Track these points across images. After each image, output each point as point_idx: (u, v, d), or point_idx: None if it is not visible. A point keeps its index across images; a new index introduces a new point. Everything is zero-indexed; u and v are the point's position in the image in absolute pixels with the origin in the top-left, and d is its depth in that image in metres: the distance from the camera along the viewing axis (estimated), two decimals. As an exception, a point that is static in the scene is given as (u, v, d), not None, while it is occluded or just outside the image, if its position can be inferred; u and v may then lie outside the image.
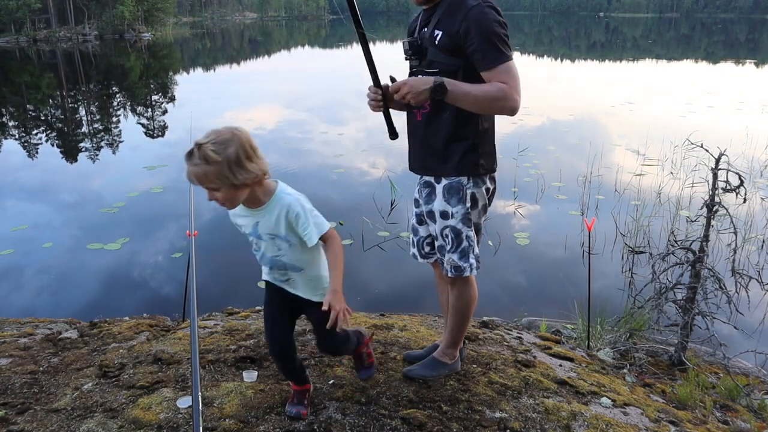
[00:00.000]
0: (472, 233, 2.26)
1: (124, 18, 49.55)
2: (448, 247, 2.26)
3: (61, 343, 3.01)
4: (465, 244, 2.25)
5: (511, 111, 2.04)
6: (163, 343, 2.89)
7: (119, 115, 14.86)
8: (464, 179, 2.18)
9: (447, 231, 2.24)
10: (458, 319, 2.41)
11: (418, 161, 2.29)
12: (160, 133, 12.24)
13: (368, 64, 2.17)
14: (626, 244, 5.69)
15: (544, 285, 5.18)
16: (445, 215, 2.22)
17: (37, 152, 10.60)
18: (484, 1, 2.02)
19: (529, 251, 5.83)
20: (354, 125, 12.04)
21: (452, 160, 2.17)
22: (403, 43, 2.18)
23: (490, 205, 2.34)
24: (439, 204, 2.22)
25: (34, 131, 12.58)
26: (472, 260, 2.27)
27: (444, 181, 2.21)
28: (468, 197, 2.20)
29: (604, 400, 2.49)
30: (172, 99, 17.60)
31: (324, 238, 1.91)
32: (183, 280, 3.86)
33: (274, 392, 2.32)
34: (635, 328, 3.67)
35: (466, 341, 3.01)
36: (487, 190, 2.27)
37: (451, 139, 2.16)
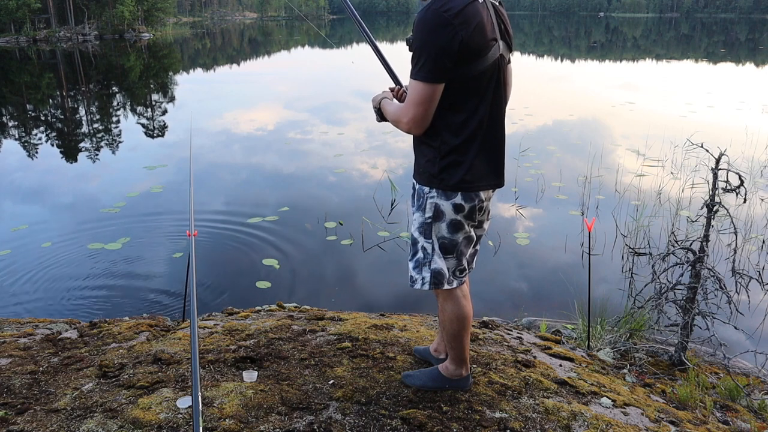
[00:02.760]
0: (430, 245, 2.10)
1: (124, 18, 49.53)
2: (408, 256, 2.20)
3: (61, 343, 3.01)
4: (420, 255, 2.13)
5: (407, 132, 2.02)
6: (163, 343, 2.89)
7: (119, 115, 14.86)
8: (426, 188, 2.05)
9: (410, 237, 2.18)
10: (446, 336, 2.26)
11: None
12: (159, 133, 12.25)
13: (385, 67, 2.20)
14: (626, 244, 5.69)
15: (544, 285, 5.18)
16: (413, 221, 2.17)
17: (36, 152, 10.60)
18: (435, 2, 1.85)
19: (529, 251, 5.83)
20: (354, 126, 12.04)
21: (419, 167, 2.09)
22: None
23: (475, 222, 2.13)
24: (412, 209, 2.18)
25: (34, 131, 12.59)
26: (426, 274, 2.11)
27: (416, 186, 2.13)
28: (428, 207, 2.05)
29: (604, 400, 2.49)
30: (172, 99, 17.60)
31: None
32: (183, 280, 3.87)
33: (274, 392, 2.32)
34: (635, 328, 3.67)
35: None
36: (459, 207, 2.04)
37: (418, 146, 2.10)
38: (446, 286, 2.14)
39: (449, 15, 1.81)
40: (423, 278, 2.13)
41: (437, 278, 2.12)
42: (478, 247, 2.32)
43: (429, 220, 2.07)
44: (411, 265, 2.18)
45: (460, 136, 1.96)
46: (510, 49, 2.09)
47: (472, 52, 1.86)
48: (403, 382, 2.43)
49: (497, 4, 2.04)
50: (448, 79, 1.88)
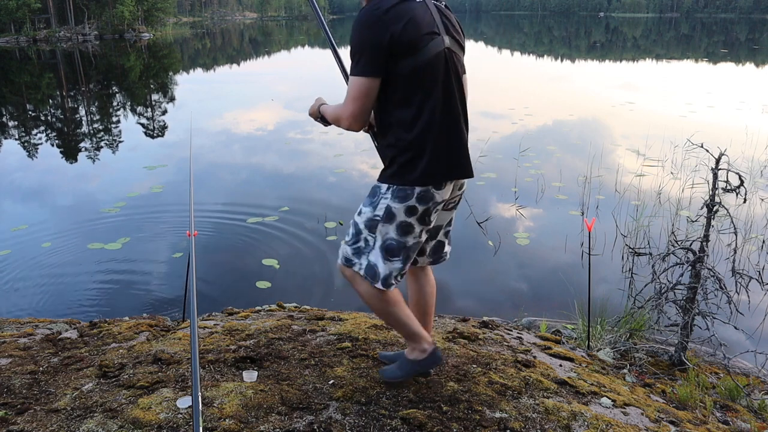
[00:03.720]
0: (372, 239, 2.09)
1: (124, 18, 49.54)
2: (347, 238, 2.18)
3: (61, 343, 3.01)
4: (360, 244, 2.12)
5: (347, 129, 2.03)
6: (163, 343, 2.89)
7: (119, 115, 14.86)
8: (384, 186, 2.05)
9: (351, 222, 2.17)
10: (381, 318, 2.27)
11: None
12: (159, 133, 12.25)
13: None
14: (626, 244, 5.69)
15: (544, 285, 5.18)
16: (358, 211, 2.15)
17: (36, 152, 10.61)
18: (370, 3, 1.95)
19: (529, 251, 5.83)
20: (354, 125, 12.02)
21: (383, 165, 2.11)
22: None
23: (428, 225, 2.10)
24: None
25: (34, 131, 12.59)
26: (364, 262, 2.11)
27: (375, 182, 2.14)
28: (380, 206, 2.04)
29: (604, 400, 2.49)
30: (172, 99, 17.60)
31: None
32: (183, 280, 3.87)
33: (274, 392, 2.32)
34: (635, 328, 3.67)
35: (466, 341, 3.01)
36: (412, 209, 2.02)
37: (379, 147, 2.13)
38: (378, 285, 2.11)
39: (379, 12, 1.89)
40: (361, 265, 2.13)
41: (369, 272, 2.12)
42: (441, 238, 2.32)
43: (377, 219, 2.06)
44: (349, 250, 2.16)
45: (412, 131, 1.98)
46: (462, 49, 2.12)
47: (405, 46, 1.90)
48: (380, 378, 2.41)
49: (442, 5, 2.10)
50: (385, 73, 1.93)
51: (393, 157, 2.02)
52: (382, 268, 2.10)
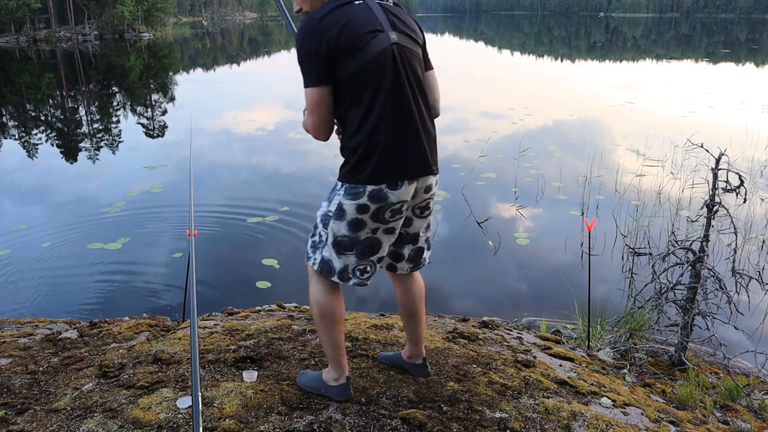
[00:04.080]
0: (325, 235, 2.09)
1: (124, 18, 49.54)
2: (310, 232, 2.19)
3: (61, 343, 3.01)
4: (316, 238, 2.14)
5: (317, 139, 2.04)
6: (163, 343, 2.89)
7: (119, 115, 14.86)
8: (339, 184, 2.05)
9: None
10: (317, 329, 2.26)
11: None
12: (159, 133, 12.25)
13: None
14: (626, 244, 5.69)
15: (544, 285, 5.18)
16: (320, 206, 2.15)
17: (36, 152, 10.60)
18: (307, 14, 1.97)
19: (529, 251, 5.83)
20: (354, 125, 12.02)
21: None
22: None
23: (385, 222, 2.05)
24: None
25: (34, 131, 12.59)
26: (318, 257, 2.12)
27: None
28: (333, 202, 2.05)
29: (604, 400, 2.49)
30: (172, 99, 17.60)
31: None
32: (183, 280, 3.86)
33: (274, 392, 2.32)
34: (635, 328, 3.67)
35: (466, 341, 3.01)
36: (364, 207, 1.99)
37: (341, 142, 2.11)
38: (335, 278, 2.11)
39: (314, 21, 1.91)
40: (316, 260, 2.14)
41: (325, 266, 2.12)
42: (421, 244, 2.27)
43: (330, 215, 2.06)
44: (309, 243, 2.18)
45: (361, 130, 1.95)
46: (417, 42, 2.08)
47: (344, 48, 1.89)
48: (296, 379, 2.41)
49: (388, 3, 2.06)
50: (331, 80, 1.94)
51: (347, 156, 2.02)
52: (337, 262, 2.10)
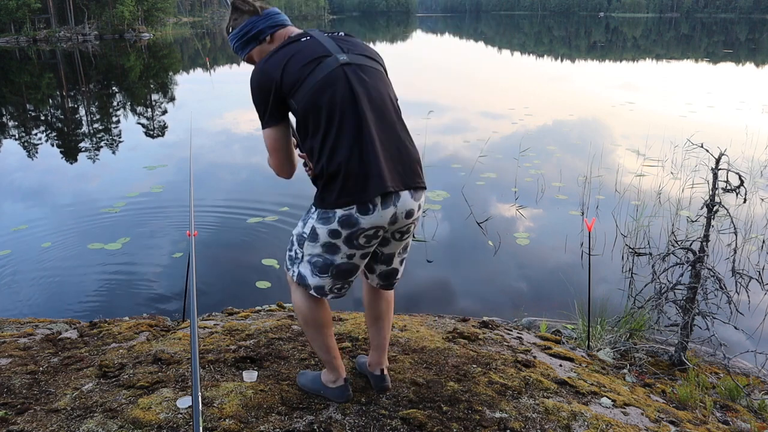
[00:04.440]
0: (300, 253, 2.07)
1: (124, 18, 49.53)
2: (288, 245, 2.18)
3: (61, 343, 3.01)
4: (292, 254, 2.11)
5: (283, 178, 2.09)
6: (163, 343, 2.89)
7: (119, 115, 14.86)
8: (312, 207, 2.02)
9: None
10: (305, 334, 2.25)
11: None
12: (159, 133, 12.25)
13: None
14: (626, 244, 5.69)
15: (544, 285, 5.18)
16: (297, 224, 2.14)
17: (36, 152, 10.61)
18: (261, 60, 1.98)
19: (529, 251, 5.83)
20: (354, 125, 12.02)
21: None
22: None
23: (360, 247, 1.99)
24: None
25: (34, 131, 12.59)
26: (296, 270, 2.09)
27: None
28: (308, 224, 2.02)
29: (604, 400, 2.49)
30: (172, 99, 17.61)
31: None
32: (183, 280, 3.87)
33: (274, 392, 2.32)
34: (635, 328, 3.67)
35: (466, 341, 3.01)
36: (335, 233, 1.94)
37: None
38: (312, 292, 2.09)
39: (261, 64, 1.94)
40: (294, 271, 2.12)
41: (302, 280, 2.09)
42: (395, 265, 2.20)
43: (304, 236, 2.04)
44: (287, 255, 2.17)
45: (322, 157, 1.91)
46: (376, 61, 2.06)
47: (291, 83, 1.90)
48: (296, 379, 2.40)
49: (339, 35, 2.06)
50: (284, 117, 1.97)
51: (315, 182, 2.00)
52: (312, 280, 2.07)
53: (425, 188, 2.05)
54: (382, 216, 1.93)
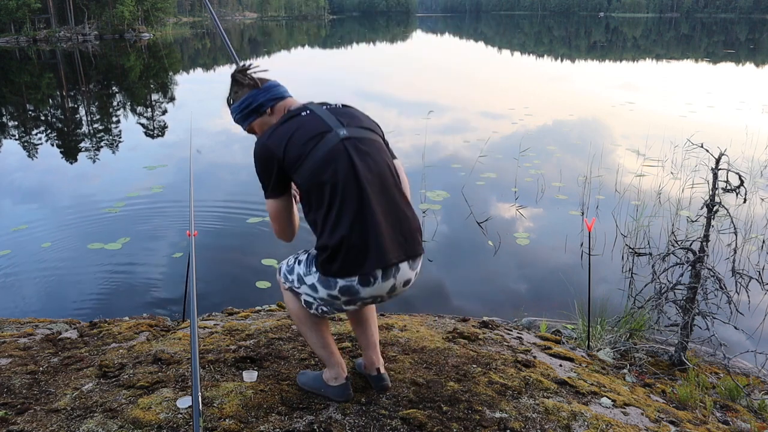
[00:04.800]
0: (298, 286, 2.13)
1: (124, 18, 49.52)
2: (287, 264, 2.22)
3: (61, 343, 3.01)
4: (292, 277, 2.16)
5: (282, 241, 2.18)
6: (163, 343, 2.89)
7: (119, 115, 14.87)
8: (314, 267, 2.06)
9: (293, 256, 2.23)
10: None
11: None
12: (159, 133, 12.25)
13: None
14: (626, 244, 5.69)
15: (544, 285, 5.18)
16: (296, 257, 2.19)
17: (36, 152, 10.61)
18: (264, 133, 2.03)
19: (529, 251, 5.83)
20: (354, 125, 12.02)
21: None
22: None
23: (355, 305, 2.07)
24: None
25: (34, 131, 12.59)
26: (289, 280, 2.16)
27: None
28: (309, 277, 2.07)
29: (604, 400, 2.49)
30: (172, 99, 17.61)
31: None
32: (183, 280, 3.87)
33: (274, 392, 2.32)
34: (635, 328, 3.67)
35: (466, 341, 3.01)
36: (334, 297, 2.02)
37: None
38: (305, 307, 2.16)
39: (264, 139, 2.00)
40: (288, 279, 2.17)
41: (294, 292, 2.16)
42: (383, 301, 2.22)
43: (304, 282, 2.10)
44: (285, 266, 2.22)
45: (326, 229, 1.97)
46: (375, 132, 2.10)
47: (293, 160, 1.95)
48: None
49: (337, 106, 2.10)
50: (285, 190, 2.04)
51: (318, 252, 2.03)
52: (304, 297, 2.14)
53: (423, 253, 2.14)
54: (382, 287, 2.02)
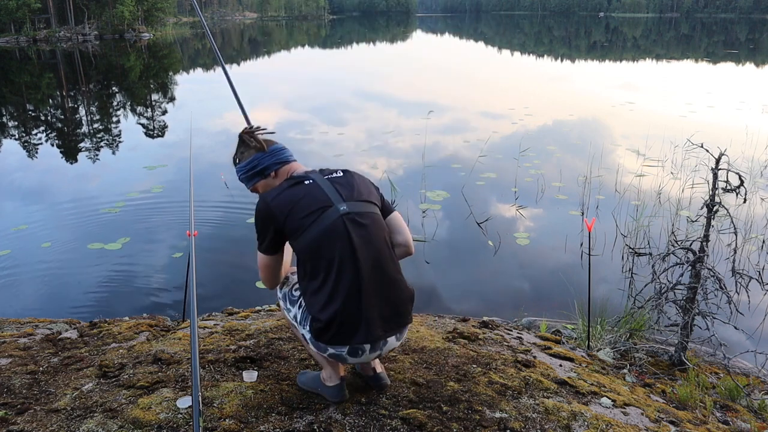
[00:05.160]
0: (297, 327, 2.20)
1: (124, 18, 49.51)
2: (286, 301, 2.27)
3: (61, 343, 3.01)
4: (292, 313, 2.22)
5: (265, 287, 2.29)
6: (163, 343, 2.89)
7: (119, 115, 14.87)
8: (307, 329, 2.12)
9: (284, 297, 2.28)
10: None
11: None
12: (159, 133, 12.25)
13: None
14: (626, 244, 5.69)
15: (544, 285, 5.18)
16: (298, 302, 2.20)
17: (36, 152, 10.61)
18: (266, 192, 2.11)
19: (529, 251, 5.83)
20: (354, 126, 12.04)
21: None
22: None
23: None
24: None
25: (34, 131, 12.59)
26: (292, 313, 2.22)
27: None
28: (302, 330, 2.15)
29: (604, 400, 2.49)
30: (172, 99, 17.61)
31: None
32: (183, 280, 3.87)
33: (274, 392, 2.32)
34: (635, 328, 3.67)
35: (466, 341, 3.01)
36: (324, 357, 2.14)
37: None
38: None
39: (267, 202, 2.06)
40: (295, 316, 2.21)
41: (307, 327, 2.18)
42: None
43: (297, 327, 2.19)
44: (283, 298, 2.28)
45: (318, 300, 2.03)
46: (372, 203, 2.13)
47: (293, 230, 2.03)
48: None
49: (337, 175, 2.15)
50: (279, 250, 2.13)
51: (310, 320, 2.09)
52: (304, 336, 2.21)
53: (411, 322, 2.22)
54: (369, 357, 2.14)
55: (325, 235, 2.01)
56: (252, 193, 2.27)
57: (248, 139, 2.20)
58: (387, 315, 2.09)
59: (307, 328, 2.12)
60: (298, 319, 2.18)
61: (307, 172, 2.17)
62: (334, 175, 2.16)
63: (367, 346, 2.07)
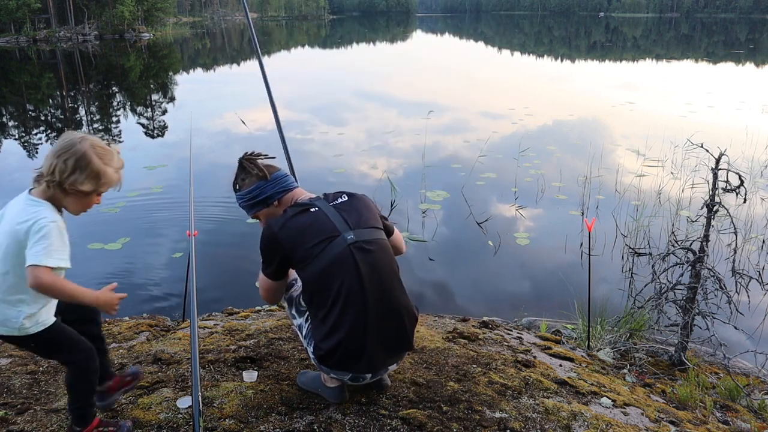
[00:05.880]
0: (298, 321, 2.24)
1: (124, 18, 49.50)
2: (291, 312, 2.30)
3: (61, 343, 3.01)
4: (296, 326, 2.26)
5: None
6: (163, 343, 2.89)
7: (119, 115, 14.87)
8: (312, 350, 2.14)
9: (291, 315, 2.30)
10: None
11: None
12: (159, 133, 12.25)
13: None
14: (626, 244, 5.69)
15: (544, 285, 5.18)
16: (303, 320, 2.23)
17: (36, 152, 10.60)
18: (272, 220, 2.10)
19: (529, 251, 5.83)
20: (354, 126, 12.04)
21: None
22: None
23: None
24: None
25: (34, 131, 12.59)
26: (297, 324, 2.24)
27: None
28: (308, 350, 2.17)
29: (604, 400, 2.49)
30: (172, 99, 17.61)
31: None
32: (183, 280, 3.86)
33: (274, 392, 2.32)
34: (635, 328, 3.67)
35: (466, 341, 3.01)
36: (334, 376, 2.16)
37: None
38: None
39: (274, 230, 2.05)
40: (300, 326, 2.23)
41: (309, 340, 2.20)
42: None
43: (305, 345, 2.20)
44: (290, 310, 2.29)
45: (323, 327, 2.05)
46: (377, 228, 2.14)
47: (299, 260, 2.03)
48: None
49: (342, 201, 2.13)
50: (284, 274, 2.14)
51: (314, 345, 2.10)
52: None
53: (412, 348, 2.26)
54: (369, 383, 2.22)
55: (332, 265, 2.00)
56: (253, 219, 2.25)
57: (249, 166, 2.18)
58: (390, 345, 2.11)
59: (311, 348, 2.13)
60: (303, 333, 2.20)
61: (311, 198, 2.15)
62: (339, 200, 2.13)
63: (369, 375, 2.12)
